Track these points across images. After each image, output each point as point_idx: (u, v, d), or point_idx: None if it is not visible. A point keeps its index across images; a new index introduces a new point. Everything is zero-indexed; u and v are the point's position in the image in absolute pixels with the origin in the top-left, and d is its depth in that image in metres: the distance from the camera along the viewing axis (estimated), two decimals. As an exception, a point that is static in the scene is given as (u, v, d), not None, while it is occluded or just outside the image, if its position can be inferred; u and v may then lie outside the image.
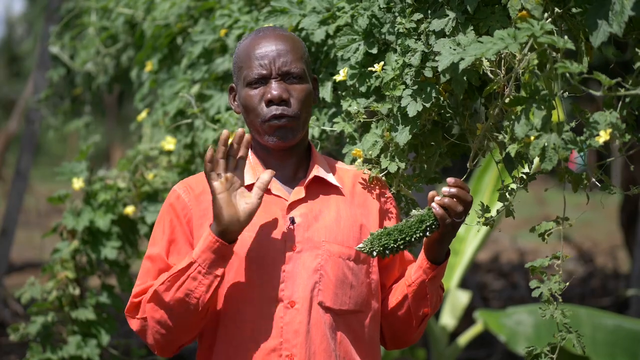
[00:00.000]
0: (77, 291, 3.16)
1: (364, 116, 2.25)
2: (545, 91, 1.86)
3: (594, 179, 2.02)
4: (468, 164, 2.17)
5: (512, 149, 1.94)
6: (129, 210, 3.16)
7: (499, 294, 7.81)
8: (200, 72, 3.06)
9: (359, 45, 2.29)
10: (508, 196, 2.11)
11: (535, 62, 1.87)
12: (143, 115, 3.32)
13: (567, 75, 1.84)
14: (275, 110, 2.03)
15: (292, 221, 2.05)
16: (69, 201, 3.20)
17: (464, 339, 5.07)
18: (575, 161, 2.32)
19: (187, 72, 3.12)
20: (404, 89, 2.13)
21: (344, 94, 2.33)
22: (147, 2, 3.68)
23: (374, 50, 2.27)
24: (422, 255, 2.08)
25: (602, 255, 9.08)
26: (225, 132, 1.94)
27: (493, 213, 2.15)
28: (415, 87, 2.12)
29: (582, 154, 1.90)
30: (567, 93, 1.92)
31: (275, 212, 2.05)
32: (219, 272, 1.96)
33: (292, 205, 2.07)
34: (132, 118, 3.77)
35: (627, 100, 1.93)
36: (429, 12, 2.16)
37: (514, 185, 2.11)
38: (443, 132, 2.25)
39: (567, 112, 1.97)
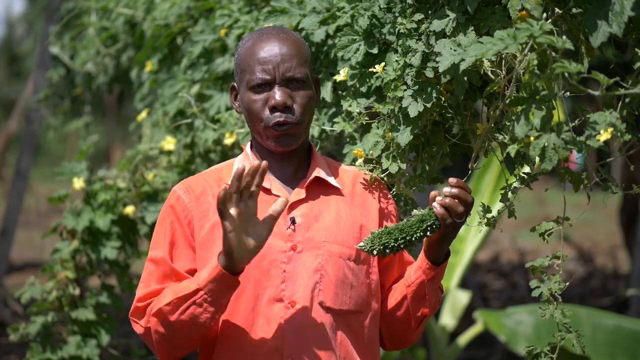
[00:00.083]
0: (77, 291, 3.16)
1: (366, 118, 2.25)
2: (545, 91, 1.86)
3: (597, 179, 2.03)
4: (470, 165, 2.18)
5: (512, 149, 1.94)
6: (129, 210, 3.16)
7: (499, 294, 7.80)
8: (200, 72, 3.06)
9: (360, 45, 2.29)
10: (510, 194, 2.11)
11: (535, 62, 1.87)
12: (143, 115, 3.32)
13: (566, 75, 1.84)
14: (279, 117, 2.03)
15: (293, 221, 2.05)
16: (69, 201, 3.20)
17: (464, 339, 5.07)
18: (575, 161, 2.32)
19: (187, 72, 3.12)
20: (405, 90, 2.14)
21: (344, 94, 2.33)
22: (147, 2, 3.67)
23: (375, 51, 2.27)
24: (421, 255, 2.08)
25: (602, 255, 9.08)
26: (240, 166, 1.85)
27: (494, 213, 2.15)
28: (416, 87, 2.12)
29: (581, 154, 1.90)
30: (568, 93, 1.92)
31: (275, 212, 2.05)
32: (225, 300, 1.95)
33: (293, 206, 2.07)
34: (132, 118, 3.77)
35: (627, 100, 1.93)
36: (430, 12, 2.16)
37: (516, 184, 2.11)
38: (444, 132, 2.25)
39: (569, 112, 1.96)
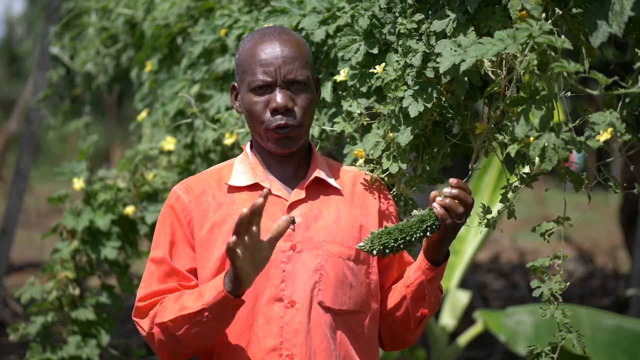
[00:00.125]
0: (77, 291, 3.16)
1: (367, 118, 2.25)
2: (545, 92, 1.86)
3: (599, 179, 2.03)
4: (470, 165, 2.18)
5: (512, 149, 1.94)
6: (129, 210, 3.16)
7: (499, 294, 7.80)
8: (200, 72, 3.05)
9: (360, 45, 2.29)
10: (511, 194, 2.11)
11: (535, 62, 1.87)
12: (143, 115, 3.32)
13: (565, 75, 1.84)
14: (280, 120, 2.03)
15: (293, 221, 2.05)
16: (69, 201, 3.20)
17: (464, 339, 5.07)
18: (574, 161, 2.32)
19: (187, 72, 3.12)
20: (405, 90, 2.13)
21: (344, 94, 2.33)
22: (147, 2, 3.67)
23: (375, 51, 2.27)
24: (421, 256, 2.08)
25: (602, 255, 9.08)
26: (259, 201, 1.84)
27: (493, 213, 2.15)
28: (417, 87, 2.12)
29: (581, 154, 1.90)
30: (569, 93, 1.92)
31: (275, 212, 2.05)
32: (230, 317, 1.96)
33: (293, 206, 2.07)
34: (132, 118, 3.77)
35: (627, 100, 1.93)
36: (430, 12, 2.16)
37: (517, 183, 2.11)
38: (445, 132, 2.25)
39: (570, 112, 1.96)
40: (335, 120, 2.36)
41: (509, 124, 1.97)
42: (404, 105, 2.12)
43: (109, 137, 16.15)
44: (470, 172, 2.19)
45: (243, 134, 2.74)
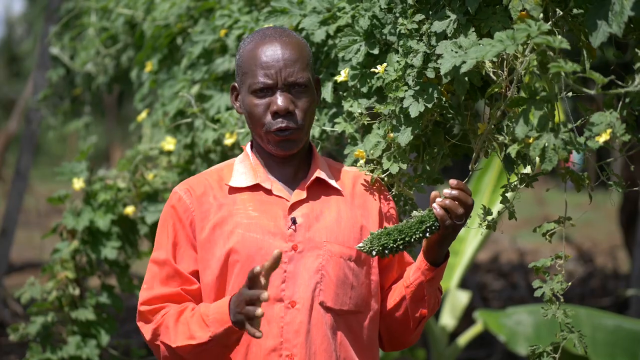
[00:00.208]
0: (77, 291, 3.16)
1: (367, 118, 2.25)
2: (545, 92, 1.86)
3: (603, 178, 2.03)
4: (470, 166, 2.17)
5: (513, 149, 1.94)
6: (129, 210, 3.16)
7: (499, 294, 7.80)
8: (200, 73, 3.05)
9: (360, 46, 2.28)
10: (510, 193, 2.11)
11: (535, 62, 1.87)
12: (143, 115, 3.32)
13: (563, 74, 1.84)
14: (280, 123, 2.03)
15: (294, 221, 2.05)
16: (69, 201, 3.20)
17: (463, 339, 5.07)
18: (574, 161, 2.32)
19: (187, 72, 3.12)
20: (406, 90, 2.13)
21: (345, 94, 2.33)
22: (147, 3, 3.67)
23: (375, 51, 2.27)
24: (420, 256, 2.08)
25: (602, 255, 9.08)
26: (276, 252, 1.86)
27: (493, 214, 2.15)
28: (418, 87, 2.12)
29: (580, 155, 1.90)
30: (570, 93, 1.92)
31: (276, 212, 2.06)
32: (237, 340, 1.97)
33: (294, 206, 2.07)
34: (132, 118, 3.77)
35: (627, 100, 1.93)
36: (430, 13, 2.16)
37: (517, 184, 2.11)
38: (445, 132, 2.25)
39: (571, 112, 1.96)
40: (336, 120, 2.36)
41: (510, 124, 1.97)
42: (404, 106, 2.12)
43: (109, 137, 16.15)
44: (470, 173, 2.19)
45: (243, 134, 2.74)
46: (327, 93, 2.45)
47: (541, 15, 1.97)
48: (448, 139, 2.25)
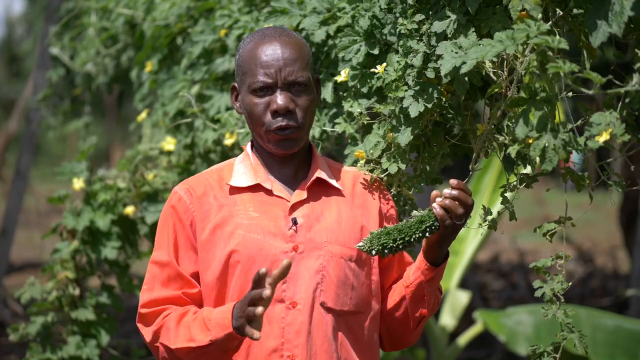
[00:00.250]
0: (77, 291, 3.16)
1: (367, 118, 2.25)
2: (545, 92, 1.86)
3: (603, 177, 2.03)
4: (470, 166, 2.17)
5: (513, 150, 1.94)
6: (129, 210, 3.16)
7: (499, 294, 7.80)
8: (200, 73, 3.05)
9: (360, 46, 2.28)
10: (510, 193, 2.11)
11: (535, 63, 1.87)
12: (143, 115, 3.32)
13: (563, 75, 1.84)
14: (281, 121, 2.03)
15: (294, 222, 2.05)
16: (69, 201, 3.20)
17: (463, 339, 5.07)
18: (574, 161, 2.32)
19: (187, 72, 3.12)
20: (406, 90, 2.13)
21: (345, 94, 2.33)
22: (147, 3, 3.67)
23: (376, 51, 2.27)
24: (420, 256, 2.08)
25: (602, 255, 9.08)
26: (285, 262, 1.85)
27: (493, 214, 2.15)
28: (417, 87, 2.12)
29: (580, 155, 1.90)
30: (570, 93, 1.92)
31: (277, 213, 2.05)
32: (237, 345, 1.97)
33: (294, 207, 2.07)
34: (132, 118, 3.77)
35: (627, 100, 1.93)
36: (430, 13, 2.16)
37: (516, 184, 2.11)
38: (445, 132, 2.25)
39: (571, 112, 1.96)
40: (336, 120, 2.36)
41: (510, 124, 1.97)
42: (404, 106, 2.12)
43: (109, 137, 16.15)
44: (470, 173, 2.19)
45: (243, 134, 2.74)
46: (327, 93, 2.46)
47: (541, 15, 1.97)
48: (448, 139, 2.25)
